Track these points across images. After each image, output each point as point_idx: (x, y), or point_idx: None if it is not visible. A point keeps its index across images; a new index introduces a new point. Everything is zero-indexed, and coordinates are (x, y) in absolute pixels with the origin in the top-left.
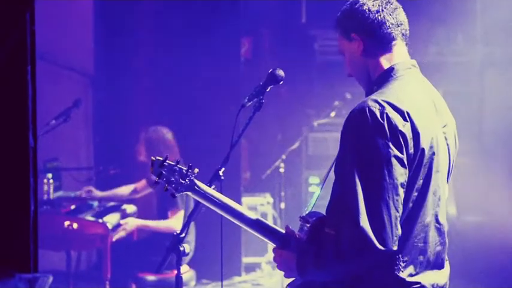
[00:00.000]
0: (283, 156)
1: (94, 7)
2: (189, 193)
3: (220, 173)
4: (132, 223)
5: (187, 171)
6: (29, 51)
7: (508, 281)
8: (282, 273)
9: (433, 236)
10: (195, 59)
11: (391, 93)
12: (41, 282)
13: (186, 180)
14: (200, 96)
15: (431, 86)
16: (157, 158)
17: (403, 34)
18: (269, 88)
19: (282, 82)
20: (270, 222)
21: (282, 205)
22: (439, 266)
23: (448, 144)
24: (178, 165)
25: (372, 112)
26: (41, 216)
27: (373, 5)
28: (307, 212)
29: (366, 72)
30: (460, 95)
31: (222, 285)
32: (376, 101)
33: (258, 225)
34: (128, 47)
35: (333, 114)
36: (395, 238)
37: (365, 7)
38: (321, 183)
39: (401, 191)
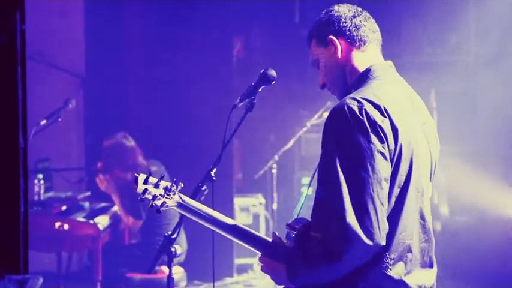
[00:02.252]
0: (276, 157)
1: (85, 7)
2: (174, 208)
3: (212, 173)
4: (108, 184)
5: (171, 186)
6: (19, 51)
7: (500, 281)
8: None
9: (418, 232)
10: (186, 58)
11: (368, 91)
12: (31, 284)
13: (171, 195)
14: (192, 96)
15: (408, 85)
16: (141, 174)
17: (377, 40)
18: (261, 88)
19: (274, 82)
20: (262, 223)
21: (275, 206)
22: (428, 265)
23: (428, 142)
24: (162, 181)
25: (350, 109)
26: (32, 217)
27: (348, 11)
28: (293, 219)
29: (342, 77)
30: (454, 94)
31: (213, 286)
32: (354, 99)
33: (245, 235)
34: (119, 47)
35: (325, 114)
36: (382, 232)
37: (341, 13)
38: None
39: (385, 185)
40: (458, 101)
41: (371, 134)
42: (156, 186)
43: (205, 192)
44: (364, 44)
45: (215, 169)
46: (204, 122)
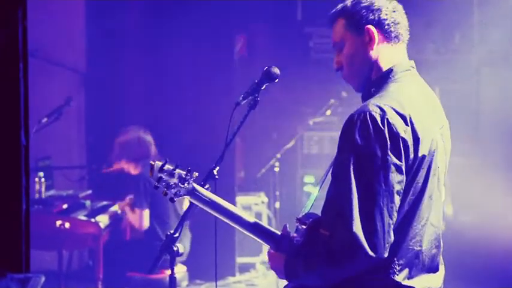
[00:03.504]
0: (278, 155)
1: (86, 4)
2: (188, 197)
3: (215, 172)
4: (123, 206)
5: (186, 175)
6: (20, 48)
7: (504, 281)
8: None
9: (428, 239)
10: (188, 56)
11: (391, 96)
12: (33, 282)
13: (185, 185)
14: (194, 94)
15: (428, 87)
16: (157, 162)
17: (407, 38)
18: (264, 86)
19: (277, 80)
20: (264, 221)
21: (277, 204)
22: (434, 269)
23: (444, 146)
24: (177, 170)
25: (372, 117)
26: (33, 216)
27: (389, 3)
28: (304, 213)
29: (367, 71)
30: (457, 93)
31: (216, 286)
32: (378, 106)
33: (256, 229)
34: (120, 44)
35: (328, 112)
36: (386, 245)
37: (382, 4)
38: (318, 183)
39: (396, 199)
40: (461, 99)
41: (389, 145)
42: (171, 174)
43: (207, 191)
44: (398, 41)
45: (218, 167)
46: (207, 120)
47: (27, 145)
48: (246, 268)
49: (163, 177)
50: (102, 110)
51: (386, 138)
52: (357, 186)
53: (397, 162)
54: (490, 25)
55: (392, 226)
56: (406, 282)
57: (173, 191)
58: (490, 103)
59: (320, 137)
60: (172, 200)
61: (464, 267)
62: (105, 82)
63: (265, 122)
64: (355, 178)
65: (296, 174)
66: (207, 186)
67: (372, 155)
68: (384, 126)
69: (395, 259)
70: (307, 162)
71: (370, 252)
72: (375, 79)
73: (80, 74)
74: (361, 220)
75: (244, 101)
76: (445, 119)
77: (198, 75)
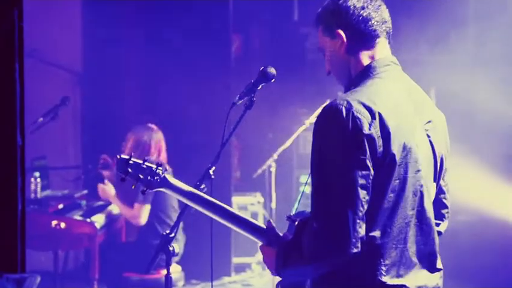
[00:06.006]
0: (274, 156)
1: (82, 4)
2: (162, 189)
3: (211, 172)
4: (109, 191)
5: (156, 168)
6: (16, 48)
7: (499, 280)
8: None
9: (413, 236)
10: (185, 56)
11: (364, 92)
12: (29, 283)
13: (156, 178)
14: (190, 94)
15: (413, 82)
16: (122, 156)
17: (387, 32)
18: (260, 86)
19: (273, 80)
20: (260, 222)
21: (273, 205)
22: (429, 267)
23: (431, 142)
24: (146, 163)
25: (338, 111)
26: (28, 216)
27: (357, 1)
28: (294, 212)
29: (347, 70)
30: (452, 93)
31: (212, 286)
32: (345, 100)
33: (237, 220)
34: (116, 44)
35: None
36: (354, 240)
37: (350, 3)
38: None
39: (362, 193)
40: (456, 99)
41: (352, 139)
42: (139, 167)
43: (204, 191)
44: (371, 38)
45: (214, 167)
46: (203, 120)
47: (23, 145)
48: (241, 268)
49: (130, 170)
50: (98, 110)
51: (349, 132)
52: (319, 184)
53: (360, 155)
54: (485, 25)
55: (359, 221)
56: (395, 281)
57: (144, 183)
58: (485, 103)
59: None
60: (143, 192)
61: (459, 266)
62: (101, 82)
63: (261, 122)
64: (318, 175)
65: (292, 175)
66: (203, 186)
67: (334, 149)
68: (348, 120)
69: (381, 260)
70: (303, 162)
71: (339, 250)
72: (355, 76)
73: (76, 74)
74: (325, 218)
75: (241, 101)
76: (436, 113)
77: (195, 75)
